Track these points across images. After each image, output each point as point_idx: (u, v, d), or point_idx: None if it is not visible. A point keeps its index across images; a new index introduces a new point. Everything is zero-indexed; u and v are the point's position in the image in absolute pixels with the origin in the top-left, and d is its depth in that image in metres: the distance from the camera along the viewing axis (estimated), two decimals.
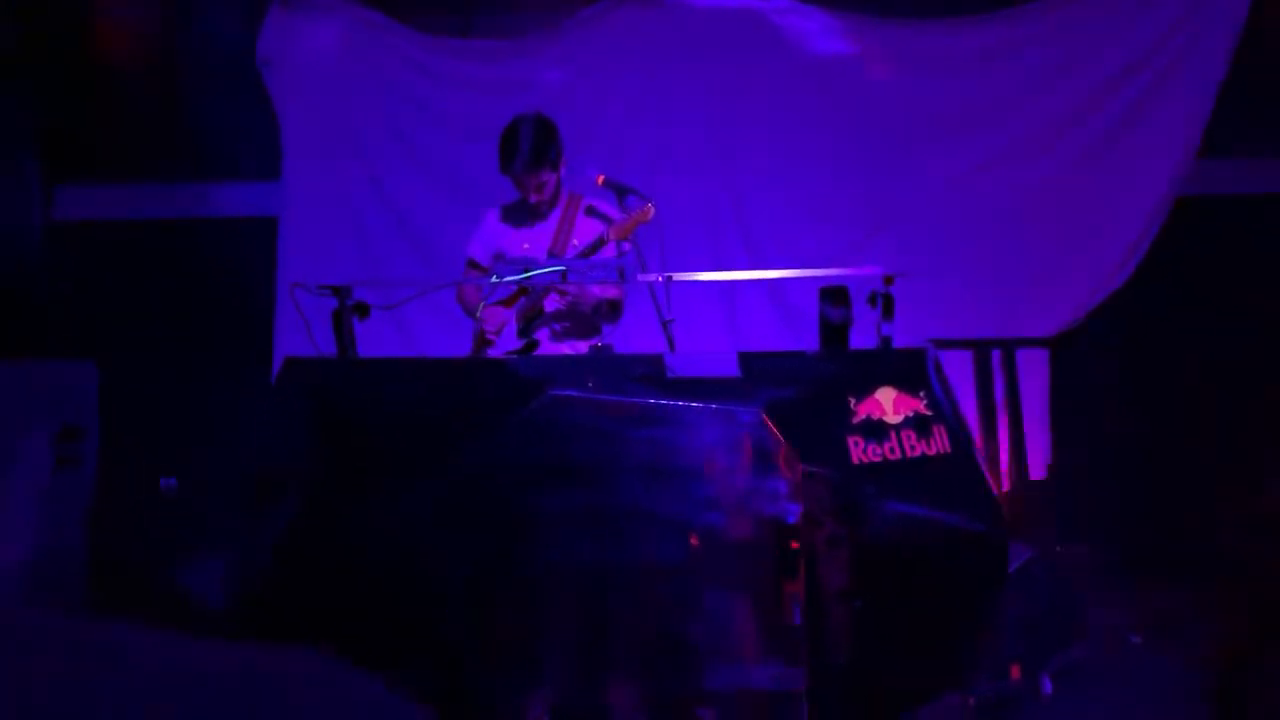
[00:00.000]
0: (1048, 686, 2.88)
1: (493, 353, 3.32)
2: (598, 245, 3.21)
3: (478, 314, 3.40)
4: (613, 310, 3.37)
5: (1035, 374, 4.47)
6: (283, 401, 2.88)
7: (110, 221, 4.77)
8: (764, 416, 2.53)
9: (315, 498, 2.70)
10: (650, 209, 3.11)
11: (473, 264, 3.50)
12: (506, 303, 3.35)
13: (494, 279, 2.96)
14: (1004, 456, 4.31)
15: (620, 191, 3.24)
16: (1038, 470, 4.41)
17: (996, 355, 4.42)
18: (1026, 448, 4.36)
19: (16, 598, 3.09)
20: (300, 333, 3.05)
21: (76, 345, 4.12)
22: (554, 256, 3.28)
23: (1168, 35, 4.45)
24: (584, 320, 3.39)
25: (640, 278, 2.88)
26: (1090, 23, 4.50)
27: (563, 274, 2.89)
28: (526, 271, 2.92)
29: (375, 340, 3.14)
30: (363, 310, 2.91)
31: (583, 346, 3.35)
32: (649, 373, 2.63)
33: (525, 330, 3.33)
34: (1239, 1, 4.34)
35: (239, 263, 4.55)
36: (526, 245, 3.38)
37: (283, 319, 4.50)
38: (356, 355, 2.90)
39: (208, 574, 3.16)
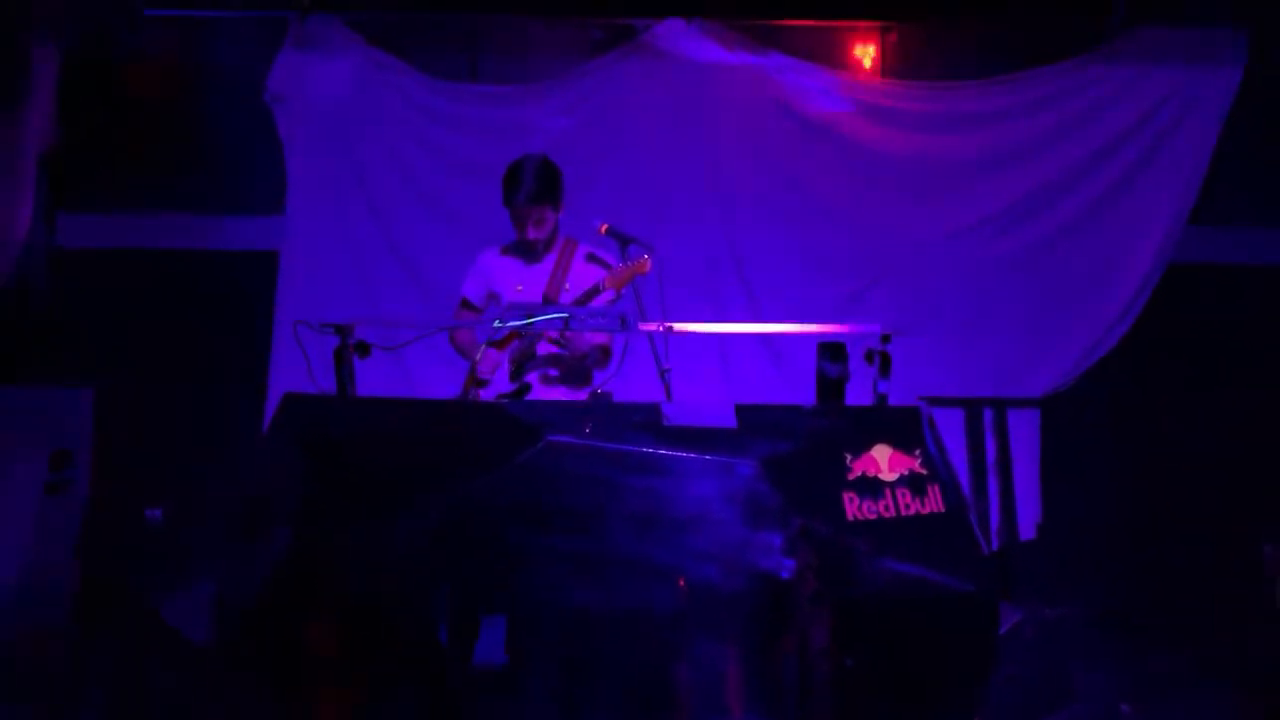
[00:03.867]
0: None
1: (485, 394, 3.33)
2: (593, 293, 3.24)
3: (471, 355, 3.42)
4: (604, 356, 3.39)
5: (1026, 434, 4.51)
6: (280, 436, 2.89)
7: (112, 250, 4.79)
8: (760, 470, 2.54)
9: (308, 533, 2.70)
10: (647, 261, 3.15)
11: (466, 304, 3.52)
12: (500, 345, 3.36)
13: (496, 324, 2.98)
14: (994, 516, 4.32)
15: (623, 241, 3.27)
16: (1028, 530, 4.42)
17: (988, 414, 4.45)
18: (1017, 507, 4.37)
19: (3, 622, 3.05)
20: (296, 367, 3.07)
21: (75, 372, 4.11)
22: (548, 300, 3.30)
23: (1162, 104, 4.56)
24: (575, 367, 3.40)
25: (642, 327, 2.91)
26: (1087, 90, 4.61)
27: (565, 320, 2.91)
28: (529, 317, 2.94)
29: (373, 377, 3.15)
30: (363, 349, 2.93)
31: (574, 393, 3.36)
32: (646, 421, 2.65)
33: (517, 374, 3.34)
34: (1232, 74, 4.45)
35: (237, 295, 4.58)
36: (520, 286, 3.40)
37: (280, 353, 4.51)
38: (355, 393, 2.91)
39: (195, 604, 3.13)
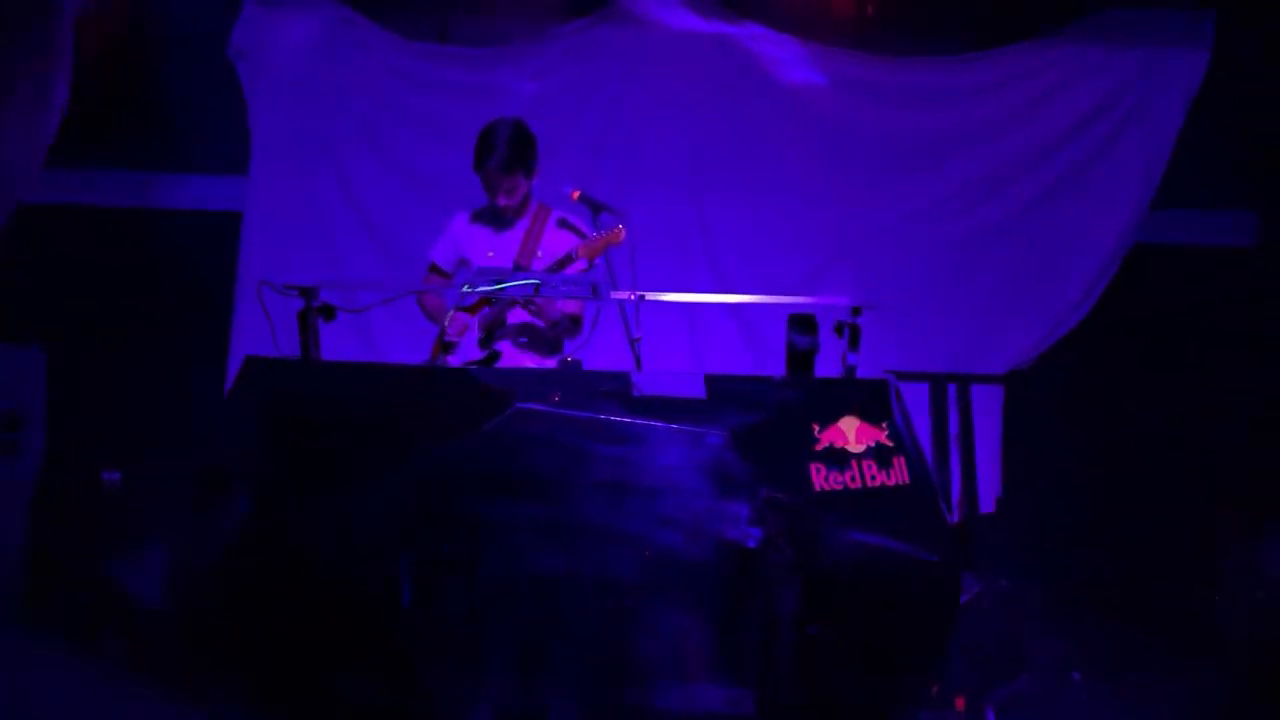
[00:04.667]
0: (991, 718, 2.92)
1: (453, 359, 3.29)
2: (566, 261, 3.21)
3: (439, 320, 3.37)
4: (574, 325, 3.36)
5: (989, 409, 4.56)
6: (242, 400, 2.84)
7: (64, 206, 4.64)
8: (729, 440, 2.54)
9: (269, 498, 2.66)
10: (621, 231, 3.12)
11: (434, 268, 3.48)
12: (471, 309, 3.32)
13: (466, 289, 2.94)
14: (955, 488, 4.38)
15: (594, 207, 3.24)
16: (988, 503, 4.49)
17: (952, 389, 4.49)
18: (978, 481, 4.43)
19: None
20: (259, 330, 3.01)
21: (27, 332, 4.00)
22: (519, 267, 3.26)
23: (1129, 85, 4.59)
24: (545, 336, 3.37)
25: (613, 295, 2.89)
26: (1056, 69, 4.63)
27: (535, 287, 2.88)
28: (499, 282, 2.91)
29: (336, 342, 3.10)
30: (328, 313, 2.88)
31: (544, 361, 3.33)
32: (615, 390, 2.64)
33: (487, 340, 3.31)
34: (1198, 57, 4.49)
35: (198, 256, 4.47)
36: (491, 253, 3.36)
37: (242, 315, 4.42)
38: (320, 357, 2.86)
39: (151, 573, 3.09)
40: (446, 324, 3.26)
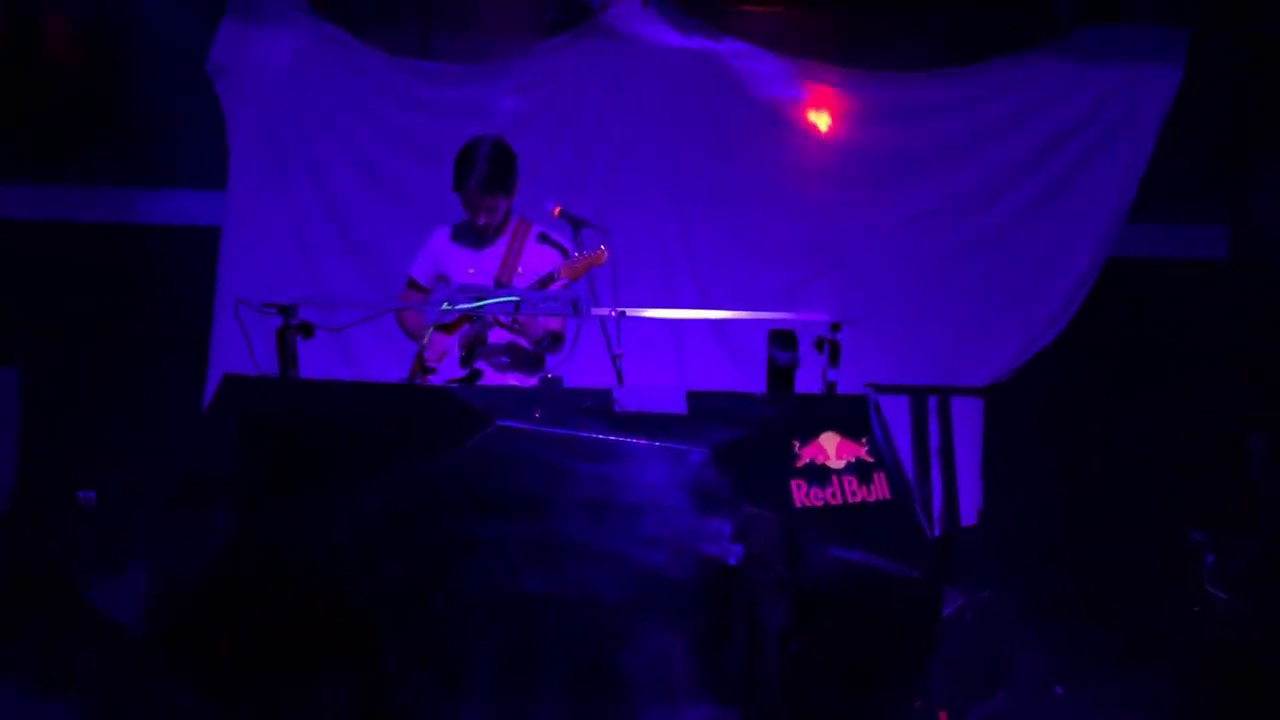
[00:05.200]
0: None
1: (434, 380, 3.27)
2: (548, 281, 3.20)
3: (419, 337, 3.36)
4: (555, 342, 3.35)
5: (969, 421, 4.58)
6: (220, 418, 2.82)
7: (41, 223, 4.61)
8: (710, 457, 2.54)
9: (248, 516, 2.64)
10: (604, 253, 3.10)
11: (413, 284, 3.45)
12: (448, 329, 3.30)
13: (445, 306, 2.93)
14: (937, 501, 4.40)
15: (575, 224, 3.24)
16: (969, 516, 4.51)
17: (933, 401, 4.52)
18: (959, 494, 4.45)
19: None
20: (237, 347, 3.00)
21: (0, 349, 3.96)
22: (500, 284, 3.25)
23: (1103, 105, 4.65)
24: (527, 355, 3.36)
25: (594, 312, 2.89)
26: (1033, 85, 4.69)
27: (516, 304, 2.87)
28: (479, 299, 2.90)
29: (315, 359, 3.09)
30: (307, 330, 2.87)
31: (526, 380, 3.31)
32: (597, 406, 2.63)
33: (467, 360, 3.29)
34: (1172, 73, 4.55)
35: (177, 271, 4.44)
36: (472, 270, 3.34)
37: (220, 332, 4.39)
38: (298, 375, 2.85)
39: (126, 590, 3.06)
40: (424, 348, 3.23)
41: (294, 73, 4.51)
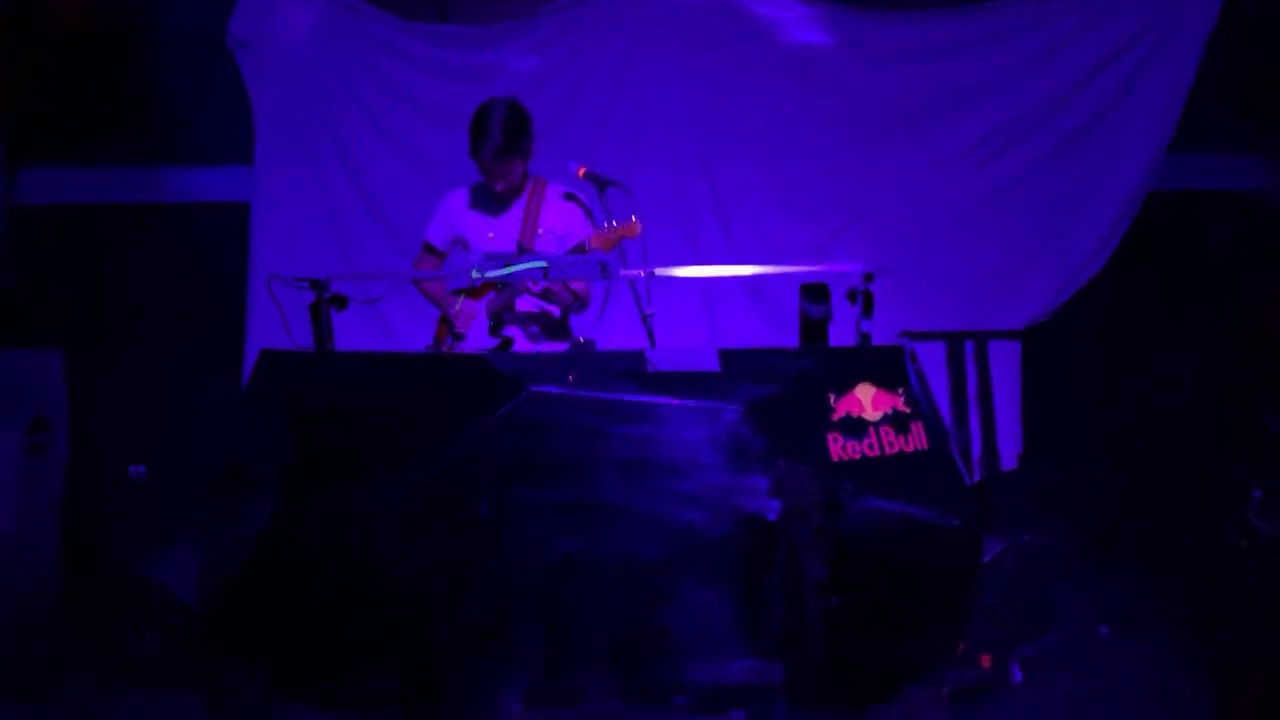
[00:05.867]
0: (1017, 675, 2.94)
1: (463, 348, 3.28)
2: (578, 251, 3.18)
3: (440, 300, 3.34)
4: (580, 304, 3.34)
5: (1007, 365, 4.53)
6: (258, 392, 2.86)
7: (76, 206, 4.67)
8: (745, 414, 2.54)
9: (290, 491, 2.69)
10: (637, 225, 3.05)
11: (429, 248, 3.43)
12: (475, 294, 3.28)
13: (475, 274, 2.93)
14: (976, 447, 4.37)
15: (600, 184, 3.21)
16: (1009, 460, 4.47)
17: (969, 346, 4.47)
18: (998, 438, 4.42)
19: None
20: (274, 321, 3.02)
21: (43, 333, 4.04)
22: (523, 248, 3.23)
23: (1140, 31, 4.49)
24: (556, 323, 3.35)
25: (623, 273, 2.87)
26: (1065, 17, 4.53)
27: (544, 270, 2.86)
28: (508, 266, 2.89)
29: (351, 330, 3.11)
30: (340, 302, 2.90)
31: (557, 347, 3.31)
32: (630, 368, 2.64)
33: (496, 328, 3.28)
34: (1210, 2, 4.38)
35: (210, 248, 4.48)
36: (491, 235, 3.32)
37: (255, 306, 4.44)
38: (334, 348, 2.88)
39: (179, 566, 3.14)
40: (455, 315, 3.24)
41: (314, 44, 4.49)
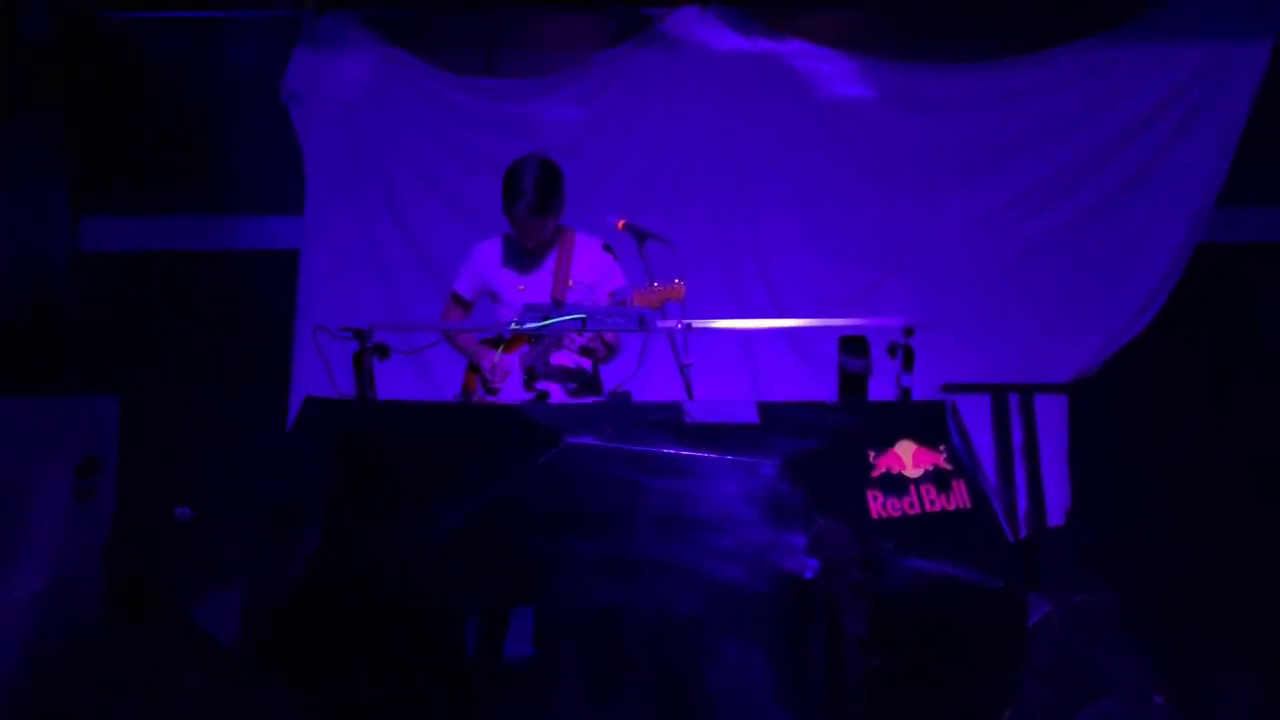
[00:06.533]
0: None
1: (498, 402, 3.27)
2: (611, 300, 3.19)
3: (469, 352, 3.35)
4: (610, 352, 3.34)
5: (1053, 419, 4.45)
6: (302, 440, 2.90)
7: (133, 253, 4.82)
8: (783, 469, 2.51)
9: (330, 536, 2.71)
10: (681, 287, 3.04)
11: (457, 298, 3.44)
12: (509, 347, 3.29)
13: (514, 326, 2.96)
14: (1021, 503, 4.28)
15: (640, 236, 3.23)
16: (1056, 517, 4.37)
17: (1014, 400, 4.40)
18: (1045, 494, 4.32)
19: (32, 628, 3.10)
20: (318, 368, 3.07)
21: (98, 376, 4.15)
22: (556, 302, 3.23)
23: (1188, 84, 4.47)
24: (589, 378, 3.36)
25: (660, 325, 2.88)
26: (1111, 69, 4.52)
27: (582, 321, 2.88)
28: (545, 318, 2.91)
29: (394, 378, 3.15)
30: (383, 351, 2.93)
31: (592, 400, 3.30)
32: (666, 419, 2.63)
33: (530, 382, 3.28)
34: (1258, 53, 4.35)
35: (259, 295, 4.60)
36: (522, 287, 3.33)
37: (301, 353, 4.52)
38: (375, 397, 2.91)
39: (222, 607, 3.17)
40: (488, 370, 3.26)
41: (364, 97, 4.62)
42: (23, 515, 3.07)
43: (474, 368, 3.37)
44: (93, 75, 4.71)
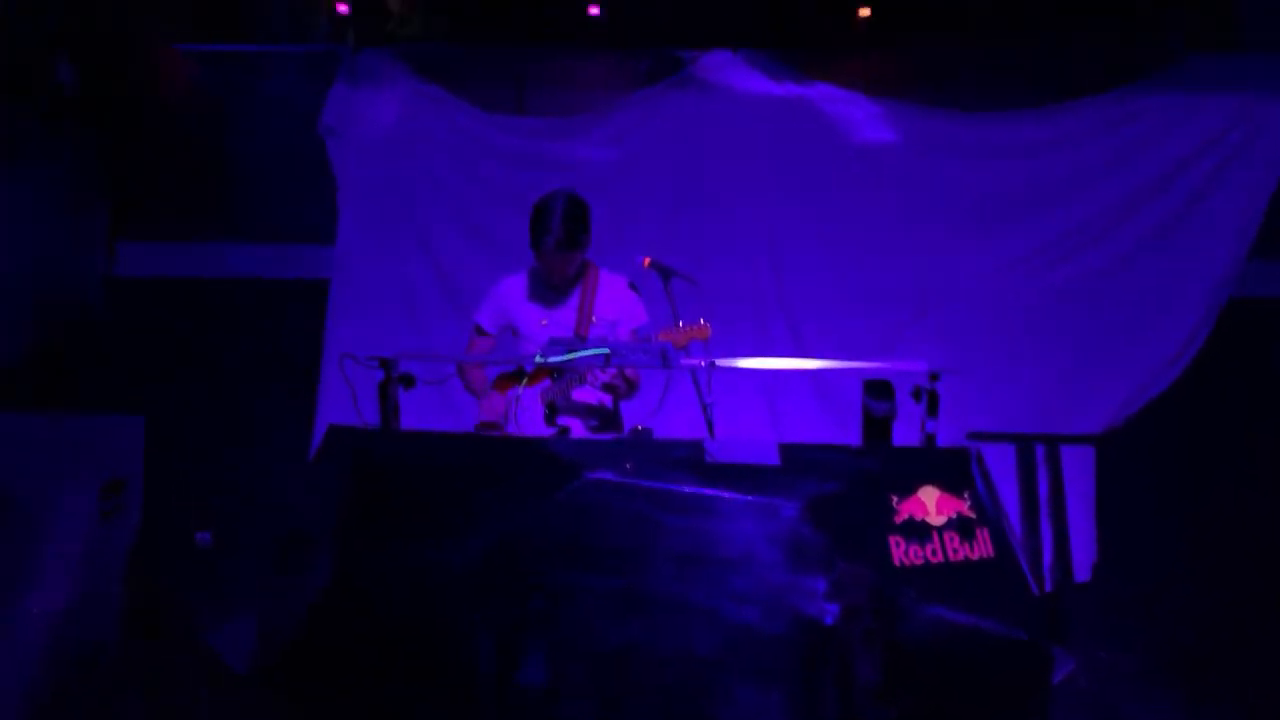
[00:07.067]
0: None
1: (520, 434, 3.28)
2: (635, 337, 3.20)
3: (476, 389, 3.35)
4: (630, 388, 3.34)
5: (1081, 471, 4.39)
6: (325, 466, 2.91)
7: (167, 279, 4.90)
8: (804, 511, 2.49)
9: (349, 561, 2.71)
10: (708, 328, 3.06)
11: (480, 330, 3.45)
12: (531, 382, 3.29)
13: (538, 359, 2.97)
14: (1047, 557, 4.20)
15: (666, 274, 3.24)
16: (1083, 572, 4.29)
17: (1040, 450, 4.34)
18: (1071, 548, 4.25)
19: (50, 647, 3.11)
20: (344, 396, 3.09)
21: (127, 397, 4.20)
22: (580, 338, 3.24)
23: (1220, 135, 4.45)
24: (610, 414, 3.36)
25: (684, 362, 2.88)
26: (1141, 119, 4.52)
27: (606, 356, 2.88)
28: (569, 352, 2.92)
29: (419, 407, 3.17)
30: (408, 381, 2.95)
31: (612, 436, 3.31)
32: (688, 458, 2.62)
33: (551, 417, 3.29)
34: None
35: (287, 323, 4.66)
36: (545, 322, 3.35)
37: (327, 381, 4.56)
38: (399, 426, 2.92)
39: (237, 631, 3.16)
40: (509, 402, 3.27)
41: (398, 131, 4.70)
42: (47, 532, 3.09)
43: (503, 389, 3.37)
44: (131, 107, 4.83)
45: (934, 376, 2.73)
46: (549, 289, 3.39)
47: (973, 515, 2.55)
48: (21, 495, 3.00)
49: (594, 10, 4.71)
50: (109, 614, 3.45)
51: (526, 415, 3.31)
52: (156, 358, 4.70)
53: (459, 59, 4.80)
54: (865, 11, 4.64)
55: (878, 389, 2.73)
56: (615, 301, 3.36)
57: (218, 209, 4.79)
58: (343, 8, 4.70)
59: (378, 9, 4.74)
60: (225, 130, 4.76)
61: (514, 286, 3.44)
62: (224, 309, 4.79)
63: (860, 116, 4.63)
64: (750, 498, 2.52)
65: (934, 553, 2.50)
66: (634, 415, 3.40)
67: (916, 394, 2.75)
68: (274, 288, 4.83)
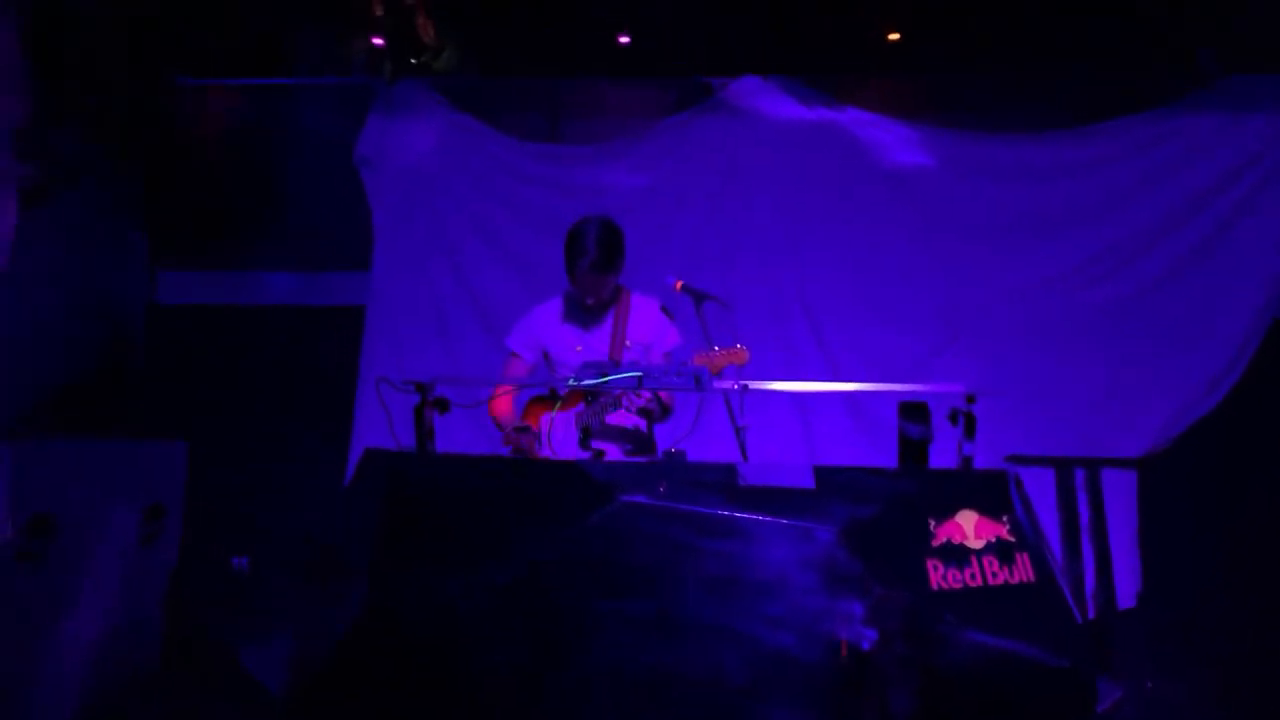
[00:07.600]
0: None
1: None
2: (668, 360, 3.21)
3: (501, 420, 3.36)
4: (664, 411, 3.35)
5: (1123, 496, 4.30)
6: (360, 491, 2.94)
7: (207, 306, 4.99)
8: (840, 535, 2.46)
9: (384, 583, 2.72)
10: (745, 352, 3.06)
11: (514, 354, 3.48)
12: (564, 406, 3.30)
13: (572, 382, 2.98)
14: (1090, 582, 4.12)
15: (698, 298, 3.25)
16: (1127, 599, 4.20)
17: (1080, 474, 4.27)
18: (1114, 574, 4.16)
19: (92, 670, 3.15)
20: (379, 421, 3.12)
21: (169, 423, 4.27)
22: (614, 362, 3.25)
23: (1259, 154, 4.39)
24: (645, 438, 3.36)
25: (717, 385, 2.87)
26: (1177, 138, 4.47)
27: (639, 379, 2.89)
28: (603, 376, 2.93)
29: (453, 431, 3.19)
30: (443, 405, 2.97)
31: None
32: (721, 481, 2.60)
33: (585, 441, 3.29)
34: None
35: (325, 348, 4.72)
36: (579, 348, 3.37)
37: (363, 406, 4.61)
38: (434, 450, 2.94)
39: (274, 654, 3.18)
40: (542, 427, 3.28)
41: (432, 161, 4.77)
42: (89, 556, 3.14)
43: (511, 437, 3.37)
44: (173, 138, 4.95)
45: (970, 398, 2.71)
46: (583, 313, 3.41)
47: (1012, 539, 2.51)
48: (65, 520, 3.05)
49: (624, 39, 4.76)
50: (150, 638, 3.49)
51: (560, 439, 3.31)
52: (197, 383, 4.79)
53: (491, 90, 4.87)
54: (894, 35, 4.65)
55: (913, 411, 2.71)
56: (648, 325, 3.37)
57: (256, 237, 4.88)
58: (378, 41, 4.79)
59: (412, 42, 4.83)
60: (264, 161, 4.86)
61: (547, 312, 3.48)
62: (262, 335, 4.86)
63: (892, 139, 4.63)
64: (785, 521, 2.50)
65: (973, 577, 2.46)
66: (666, 439, 3.40)
67: (953, 417, 2.72)
68: (311, 314, 4.90)
